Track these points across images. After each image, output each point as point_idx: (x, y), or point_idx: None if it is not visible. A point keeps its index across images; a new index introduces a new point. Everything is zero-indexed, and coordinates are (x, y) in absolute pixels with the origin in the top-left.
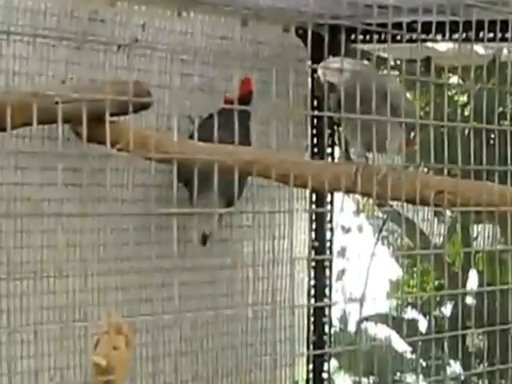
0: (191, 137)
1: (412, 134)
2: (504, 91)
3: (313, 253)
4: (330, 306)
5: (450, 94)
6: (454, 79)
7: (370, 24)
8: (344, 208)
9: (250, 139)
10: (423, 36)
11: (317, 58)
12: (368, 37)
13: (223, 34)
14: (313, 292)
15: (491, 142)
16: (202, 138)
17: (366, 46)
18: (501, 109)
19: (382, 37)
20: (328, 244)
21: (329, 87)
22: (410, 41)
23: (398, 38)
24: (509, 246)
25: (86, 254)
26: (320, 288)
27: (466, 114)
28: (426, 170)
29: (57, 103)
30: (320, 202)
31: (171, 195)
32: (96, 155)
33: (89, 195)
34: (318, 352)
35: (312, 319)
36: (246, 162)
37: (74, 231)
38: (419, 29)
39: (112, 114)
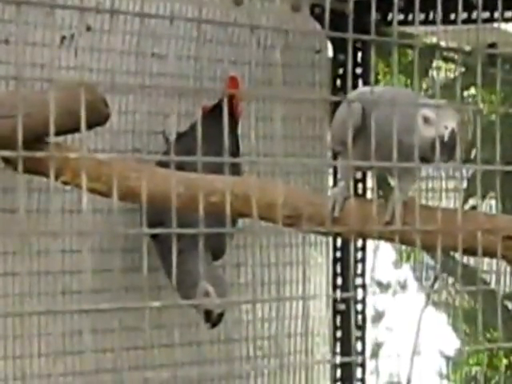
0: (161, 163)
1: None
2: None
3: (338, 319)
4: None
5: None
6: None
7: None
8: (379, 258)
9: (239, 151)
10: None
11: (340, 46)
12: (410, 17)
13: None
14: (339, 374)
15: None
16: (177, 163)
17: (407, 29)
18: None
19: (430, 16)
20: (359, 307)
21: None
22: (468, 21)
23: (452, 17)
24: None
25: None
26: (348, 369)
27: None
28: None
29: None
30: (347, 248)
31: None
32: None
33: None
34: None
35: None
36: (239, 198)
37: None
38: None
39: (56, 134)
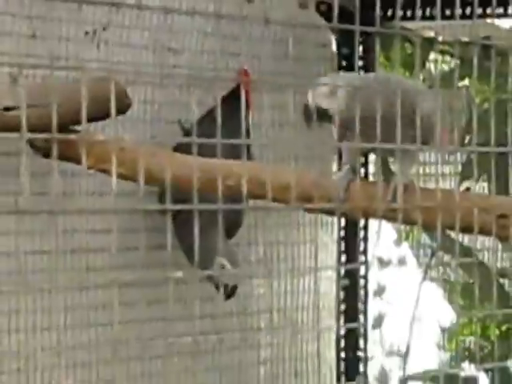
0: (176, 149)
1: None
2: None
3: (342, 295)
4: (365, 361)
5: None
6: None
7: None
8: (381, 237)
9: (252, 152)
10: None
11: (345, 41)
12: (409, 13)
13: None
14: (343, 343)
15: None
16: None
17: (408, 24)
18: None
19: (427, 12)
20: (362, 282)
21: (321, 114)
22: (464, 17)
23: (448, 13)
24: None
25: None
26: (352, 339)
27: None
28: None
29: (7, 109)
30: (351, 227)
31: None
32: None
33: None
34: None
35: (343, 378)
36: (253, 181)
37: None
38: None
39: (76, 122)
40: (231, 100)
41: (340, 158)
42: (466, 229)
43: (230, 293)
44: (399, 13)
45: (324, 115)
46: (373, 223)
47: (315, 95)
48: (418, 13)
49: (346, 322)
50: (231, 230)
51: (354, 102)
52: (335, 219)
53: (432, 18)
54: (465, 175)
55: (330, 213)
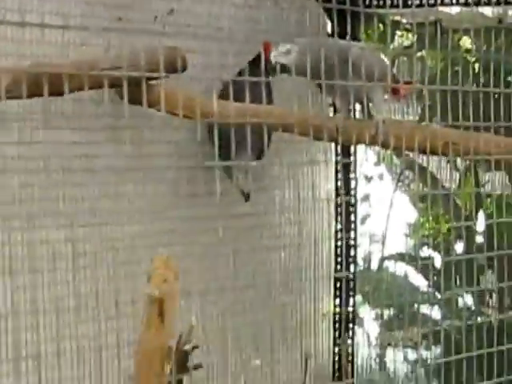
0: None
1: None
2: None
3: (339, 199)
4: (355, 247)
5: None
6: (466, 40)
7: None
8: (366, 159)
9: (273, 98)
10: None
11: (338, 23)
12: (381, 2)
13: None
14: (340, 235)
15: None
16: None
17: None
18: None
19: (395, 2)
20: (353, 192)
21: (281, 68)
22: (420, 5)
23: (409, 3)
24: None
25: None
26: (346, 231)
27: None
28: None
29: (103, 70)
30: (345, 153)
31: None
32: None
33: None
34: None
35: (339, 259)
36: (276, 119)
37: (117, 183)
38: None
39: (150, 78)
40: (256, 63)
41: (335, 108)
42: (431, 151)
43: (247, 197)
44: (374, 2)
45: (283, 68)
46: (360, 149)
47: (276, 54)
48: (388, 1)
49: (342, 219)
50: (260, 152)
51: (304, 57)
52: (333, 147)
53: (404, 6)
54: (423, 118)
55: (332, 140)
